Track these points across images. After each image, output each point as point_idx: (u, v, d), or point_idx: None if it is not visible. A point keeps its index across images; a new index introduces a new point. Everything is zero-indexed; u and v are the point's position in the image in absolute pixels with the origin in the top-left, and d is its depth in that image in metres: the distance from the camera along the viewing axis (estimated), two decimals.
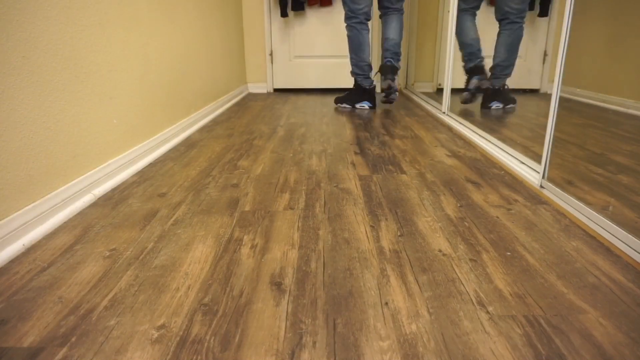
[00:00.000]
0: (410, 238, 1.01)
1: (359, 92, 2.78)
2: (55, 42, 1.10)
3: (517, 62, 3.13)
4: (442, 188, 1.33)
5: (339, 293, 0.79)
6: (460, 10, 2.49)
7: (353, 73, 2.74)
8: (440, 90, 2.64)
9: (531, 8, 3.03)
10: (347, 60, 3.69)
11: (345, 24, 2.68)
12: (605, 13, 1.52)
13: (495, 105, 2.44)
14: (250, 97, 3.38)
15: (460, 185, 1.36)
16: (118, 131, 1.42)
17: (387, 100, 2.70)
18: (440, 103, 2.53)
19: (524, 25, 2.47)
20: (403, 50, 3.66)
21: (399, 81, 2.99)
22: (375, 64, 3.61)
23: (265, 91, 3.71)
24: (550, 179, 1.27)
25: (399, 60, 2.71)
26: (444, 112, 2.45)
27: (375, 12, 2.94)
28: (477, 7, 2.50)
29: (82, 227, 1.07)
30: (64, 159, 1.13)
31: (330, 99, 3.25)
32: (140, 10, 1.59)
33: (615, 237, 0.96)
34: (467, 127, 2.08)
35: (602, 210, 1.06)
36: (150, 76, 1.68)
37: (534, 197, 1.25)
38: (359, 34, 2.63)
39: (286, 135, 2.05)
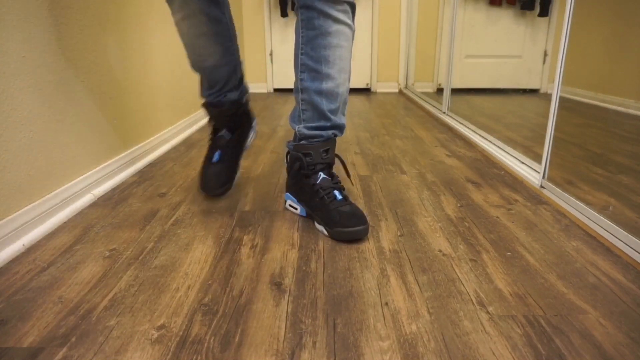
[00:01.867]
0: (410, 238, 1.01)
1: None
2: (55, 42, 1.10)
3: (517, 62, 3.14)
4: (442, 188, 1.33)
5: (339, 293, 0.79)
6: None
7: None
8: (440, 90, 2.64)
9: (531, 8, 3.03)
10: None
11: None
12: (605, 13, 1.52)
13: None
14: (250, 97, 3.37)
15: (460, 185, 1.36)
16: (118, 131, 1.42)
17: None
18: (440, 103, 2.53)
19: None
20: (403, 49, 3.66)
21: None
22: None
23: (265, 91, 3.71)
24: (550, 179, 1.27)
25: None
26: (444, 112, 2.45)
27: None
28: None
29: (82, 227, 1.07)
30: (64, 159, 1.13)
31: None
32: (140, 10, 1.59)
33: (615, 237, 0.96)
34: (467, 127, 2.08)
35: (602, 210, 1.06)
36: (150, 76, 1.68)
37: (534, 197, 1.25)
38: None
39: (286, 135, 2.05)
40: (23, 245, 0.95)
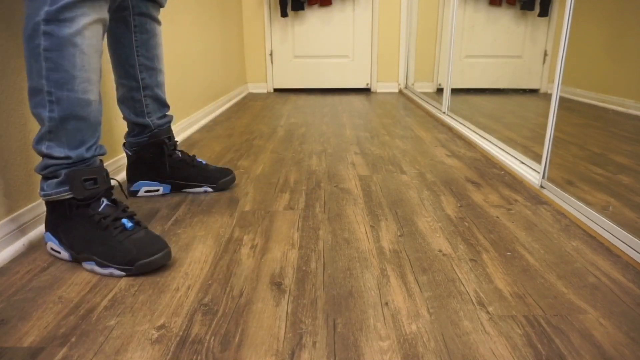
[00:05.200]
0: (410, 238, 1.01)
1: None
2: None
3: (517, 62, 3.14)
4: (442, 188, 1.33)
5: (339, 293, 0.79)
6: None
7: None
8: (440, 90, 2.64)
9: (531, 8, 3.03)
10: (347, 60, 3.69)
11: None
12: (605, 13, 1.52)
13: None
14: (250, 97, 3.38)
15: (460, 185, 1.36)
16: (118, 131, 1.42)
17: None
18: (440, 103, 2.54)
19: None
20: (403, 49, 3.66)
21: None
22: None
23: (265, 91, 3.71)
24: (550, 179, 1.27)
25: None
26: (444, 112, 2.45)
27: None
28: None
29: None
30: None
31: (330, 99, 3.25)
32: None
33: (615, 237, 0.96)
34: (467, 127, 2.08)
35: (602, 210, 1.06)
36: None
37: (534, 197, 1.25)
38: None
39: (286, 135, 2.05)
40: (23, 245, 0.95)
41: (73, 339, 0.67)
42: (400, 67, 3.69)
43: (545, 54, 2.96)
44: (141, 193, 1.26)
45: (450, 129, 2.18)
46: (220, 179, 1.30)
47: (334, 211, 1.16)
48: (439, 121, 2.39)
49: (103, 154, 0.93)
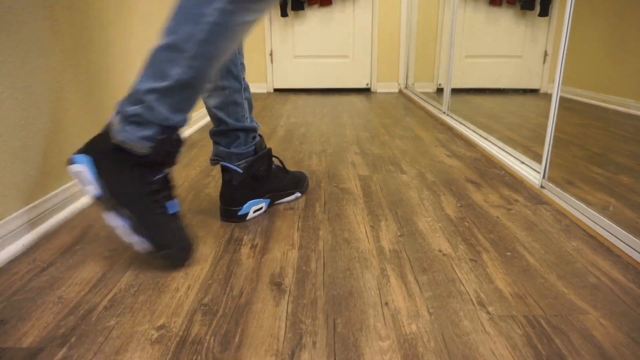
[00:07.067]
0: (411, 238, 1.01)
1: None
2: (56, 42, 1.10)
3: (517, 62, 3.13)
4: (442, 188, 1.33)
5: (339, 293, 0.79)
6: None
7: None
8: (440, 90, 2.64)
9: (531, 8, 3.03)
10: (347, 60, 3.69)
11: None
12: (605, 13, 1.52)
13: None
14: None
15: (460, 185, 1.36)
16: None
17: None
18: (440, 103, 2.53)
19: None
20: (403, 49, 3.66)
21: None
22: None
23: (265, 91, 3.71)
24: (550, 179, 1.27)
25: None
26: (444, 112, 2.45)
27: None
28: None
29: (82, 227, 1.07)
30: (64, 159, 1.13)
31: (330, 99, 3.25)
32: (139, 10, 1.59)
33: (616, 237, 0.96)
34: (467, 127, 2.08)
35: (602, 210, 1.06)
36: None
37: (534, 197, 1.25)
38: None
39: (286, 135, 2.05)
40: (23, 245, 0.95)
41: (73, 339, 0.67)
42: (400, 67, 3.69)
43: (546, 54, 2.96)
44: (250, 215, 1.10)
45: (450, 129, 2.18)
46: (304, 182, 1.25)
47: (334, 211, 1.16)
48: (439, 121, 2.39)
49: (184, 125, 0.88)
